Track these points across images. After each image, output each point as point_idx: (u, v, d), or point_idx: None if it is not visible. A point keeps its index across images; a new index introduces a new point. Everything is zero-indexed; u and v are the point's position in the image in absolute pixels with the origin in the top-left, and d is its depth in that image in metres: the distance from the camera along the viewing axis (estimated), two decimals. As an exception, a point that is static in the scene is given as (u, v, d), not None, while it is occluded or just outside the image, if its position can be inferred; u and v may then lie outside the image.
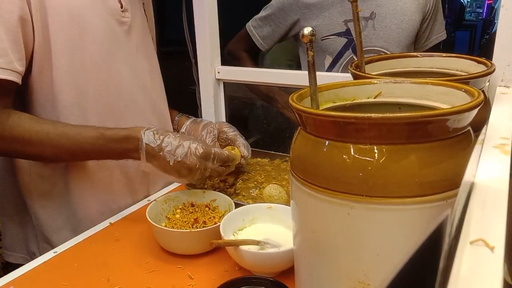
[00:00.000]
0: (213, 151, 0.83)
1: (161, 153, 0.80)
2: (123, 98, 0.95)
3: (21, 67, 0.79)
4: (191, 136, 1.02)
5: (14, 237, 0.98)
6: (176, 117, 1.12)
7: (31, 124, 0.80)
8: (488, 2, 5.63)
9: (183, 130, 1.08)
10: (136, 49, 0.98)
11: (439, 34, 1.46)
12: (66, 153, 0.83)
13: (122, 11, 0.93)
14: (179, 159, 0.80)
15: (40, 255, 0.92)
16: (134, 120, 0.96)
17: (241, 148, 0.98)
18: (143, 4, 1.03)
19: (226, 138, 1.03)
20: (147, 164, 0.82)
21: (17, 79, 0.79)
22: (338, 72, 1.36)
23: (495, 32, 0.75)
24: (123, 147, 0.82)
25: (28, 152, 0.82)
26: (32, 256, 0.96)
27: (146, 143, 0.80)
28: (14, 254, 0.99)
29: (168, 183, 1.08)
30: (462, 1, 5.38)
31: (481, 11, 5.86)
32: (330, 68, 1.39)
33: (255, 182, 1.00)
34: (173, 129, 1.11)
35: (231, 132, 1.02)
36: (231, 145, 1.01)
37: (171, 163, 0.80)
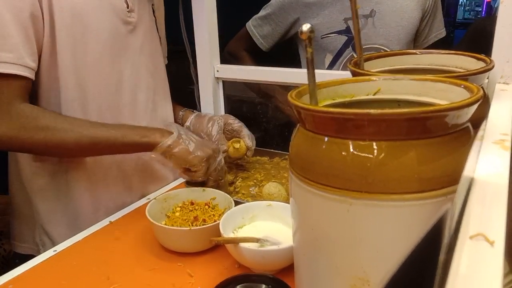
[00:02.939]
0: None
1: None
2: (124, 97, 0.95)
3: (33, 63, 0.81)
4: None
5: (23, 227, 1.01)
6: (181, 112, 1.13)
7: (54, 115, 0.83)
8: (487, 0, 5.62)
9: (187, 124, 1.09)
10: (140, 50, 0.98)
11: (439, 31, 1.46)
12: (87, 140, 0.82)
13: (128, 11, 0.93)
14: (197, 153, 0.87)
15: (41, 247, 0.94)
16: (134, 119, 0.96)
17: (245, 139, 1.03)
18: (153, 5, 1.03)
19: (231, 130, 1.06)
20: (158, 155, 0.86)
21: (28, 74, 0.81)
22: (338, 70, 1.36)
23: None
24: (140, 150, 0.87)
25: (53, 139, 0.80)
26: (36, 247, 0.98)
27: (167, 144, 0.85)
28: (23, 245, 1.01)
29: (166, 181, 1.08)
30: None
31: (480, 9, 5.85)
32: (330, 67, 1.39)
33: (255, 180, 1.00)
34: (178, 124, 1.11)
35: (237, 123, 1.06)
36: (236, 137, 1.04)
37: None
